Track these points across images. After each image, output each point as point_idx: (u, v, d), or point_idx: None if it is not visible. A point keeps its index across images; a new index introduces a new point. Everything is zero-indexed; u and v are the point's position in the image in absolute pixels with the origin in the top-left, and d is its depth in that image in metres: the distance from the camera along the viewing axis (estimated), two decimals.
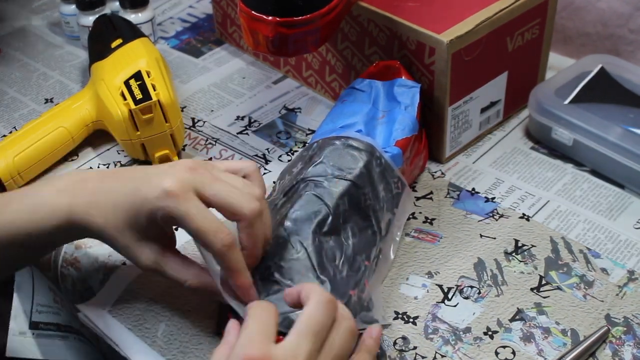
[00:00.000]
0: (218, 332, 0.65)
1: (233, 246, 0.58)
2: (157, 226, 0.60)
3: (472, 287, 0.70)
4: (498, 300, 0.68)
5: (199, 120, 0.90)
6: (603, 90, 0.84)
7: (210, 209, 0.59)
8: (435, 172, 0.82)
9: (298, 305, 0.55)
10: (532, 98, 0.84)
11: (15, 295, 0.72)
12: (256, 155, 0.85)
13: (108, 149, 0.87)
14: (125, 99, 0.81)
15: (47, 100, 0.94)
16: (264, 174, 0.82)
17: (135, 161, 0.85)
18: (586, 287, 0.69)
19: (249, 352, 0.49)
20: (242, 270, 0.59)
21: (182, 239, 0.74)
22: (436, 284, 0.70)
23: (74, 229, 0.61)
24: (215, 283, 0.60)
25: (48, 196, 0.61)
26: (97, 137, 0.87)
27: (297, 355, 0.50)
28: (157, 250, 0.61)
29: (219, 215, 0.59)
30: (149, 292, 0.69)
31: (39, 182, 0.70)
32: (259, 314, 0.53)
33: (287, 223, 0.64)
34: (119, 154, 0.86)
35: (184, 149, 0.86)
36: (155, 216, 0.58)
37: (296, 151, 0.85)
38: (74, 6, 1.00)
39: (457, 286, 0.70)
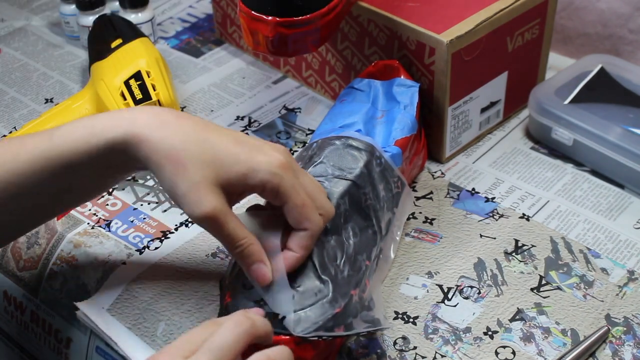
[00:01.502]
0: None
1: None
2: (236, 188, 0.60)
3: (472, 287, 0.70)
4: (498, 300, 0.68)
5: None
6: (603, 90, 0.84)
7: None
8: (435, 172, 0.82)
9: None
10: (532, 98, 0.84)
11: None
12: None
13: None
14: (125, 99, 0.81)
15: (47, 100, 0.94)
16: None
17: None
18: (586, 287, 0.69)
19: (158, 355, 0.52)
20: (304, 252, 0.61)
21: (182, 239, 0.74)
22: (436, 284, 0.70)
23: (129, 151, 0.58)
24: (261, 257, 0.60)
25: (110, 114, 0.60)
26: None
27: None
28: (225, 201, 0.59)
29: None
30: (149, 292, 0.69)
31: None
32: (230, 327, 0.53)
33: None
34: None
35: None
36: (255, 179, 0.58)
37: (296, 151, 0.85)
38: (74, 6, 1.00)
39: (457, 286, 0.70)
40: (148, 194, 0.79)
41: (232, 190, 0.59)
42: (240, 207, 0.67)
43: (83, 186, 0.62)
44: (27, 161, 0.59)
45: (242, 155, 0.58)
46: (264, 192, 0.59)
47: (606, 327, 0.65)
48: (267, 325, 0.56)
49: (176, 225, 0.76)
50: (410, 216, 0.76)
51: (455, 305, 0.68)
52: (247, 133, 0.88)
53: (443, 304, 0.68)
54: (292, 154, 0.85)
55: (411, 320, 0.67)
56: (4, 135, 0.89)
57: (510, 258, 0.72)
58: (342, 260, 0.63)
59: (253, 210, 0.65)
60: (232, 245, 0.59)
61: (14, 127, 0.90)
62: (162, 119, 0.58)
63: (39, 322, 0.75)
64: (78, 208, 0.78)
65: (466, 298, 0.69)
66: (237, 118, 0.90)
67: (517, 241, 0.74)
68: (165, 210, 0.78)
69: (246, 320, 0.54)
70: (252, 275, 0.60)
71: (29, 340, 0.77)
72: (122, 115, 0.59)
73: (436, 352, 0.64)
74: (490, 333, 0.66)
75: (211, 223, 0.58)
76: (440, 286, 0.70)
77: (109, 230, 0.76)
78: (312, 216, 0.60)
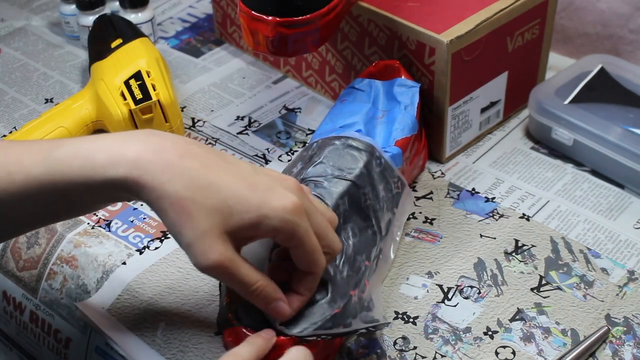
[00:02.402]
0: (218, 332, 0.65)
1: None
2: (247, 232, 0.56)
3: (472, 287, 0.70)
4: (498, 300, 0.68)
5: (198, 120, 0.90)
6: (603, 90, 0.84)
7: None
8: (435, 172, 0.82)
9: None
10: (532, 98, 0.84)
11: None
12: (256, 155, 0.85)
13: None
14: (125, 99, 0.81)
15: (47, 100, 0.94)
16: None
17: None
18: (586, 287, 0.69)
19: None
20: (310, 294, 0.60)
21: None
22: (436, 284, 0.70)
23: (131, 191, 0.54)
24: (277, 295, 0.58)
25: (111, 144, 0.55)
26: None
27: None
28: (233, 247, 0.55)
29: None
30: (149, 292, 0.69)
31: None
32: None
33: None
34: None
35: None
36: (267, 226, 0.55)
37: (296, 151, 0.85)
38: (74, 6, 1.00)
39: (457, 286, 0.70)
40: None
41: (242, 236, 0.56)
42: None
43: (79, 210, 0.60)
44: (21, 183, 0.55)
45: (253, 200, 0.54)
46: (276, 238, 0.57)
47: (606, 327, 0.65)
48: (254, 345, 0.56)
49: None
50: (410, 216, 0.76)
51: (455, 305, 0.68)
52: (247, 133, 0.88)
53: (443, 304, 0.68)
54: (292, 154, 0.85)
55: (411, 320, 0.67)
56: (4, 136, 0.89)
57: (510, 258, 0.72)
58: (341, 261, 0.63)
59: None
60: (246, 291, 0.57)
61: (14, 127, 0.90)
62: (165, 160, 0.54)
63: (38, 322, 0.75)
64: None
65: (466, 298, 0.69)
66: (237, 118, 0.90)
67: (517, 241, 0.74)
68: None
69: (231, 357, 0.55)
70: (271, 314, 0.59)
71: (28, 341, 0.77)
72: (122, 152, 0.54)
73: (436, 352, 0.64)
74: (490, 333, 0.66)
75: (219, 273, 0.55)
76: (440, 286, 0.70)
77: (109, 230, 0.76)
78: (320, 261, 0.58)
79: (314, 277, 0.59)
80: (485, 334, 0.66)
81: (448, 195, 0.79)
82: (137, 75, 0.82)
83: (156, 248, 0.74)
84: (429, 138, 0.82)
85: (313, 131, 0.87)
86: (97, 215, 0.78)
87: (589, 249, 0.73)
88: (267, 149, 0.86)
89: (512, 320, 0.67)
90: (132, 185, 0.54)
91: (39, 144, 0.57)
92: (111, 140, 0.56)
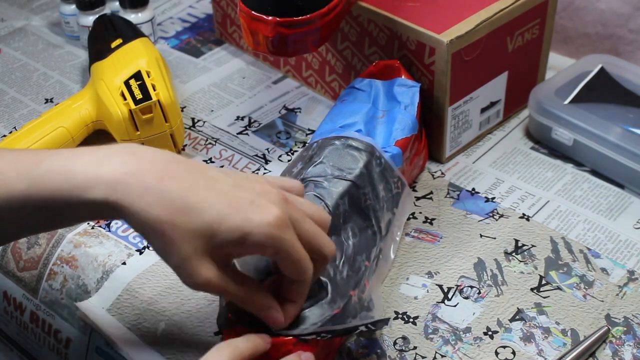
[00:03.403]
0: (218, 332, 0.65)
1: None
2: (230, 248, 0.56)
3: (472, 287, 0.70)
4: (498, 300, 0.68)
5: (198, 120, 0.90)
6: (603, 90, 0.84)
7: None
8: (435, 172, 0.82)
9: None
10: (532, 98, 0.84)
11: None
12: (256, 155, 0.85)
13: None
14: (125, 99, 0.81)
15: (47, 100, 0.94)
16: (264, 174, 0.82)
17: None
18: (586, 287, 0.69)
19: None
20: (303, 300, 0.60)
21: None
22: (436, 284, 0.70)
23: (113, 212, 0.54)
24: (270, 304, 0.58)
25: (88, 163, 0.54)
26: (97, 137, 0.86)
27: None
28: (219, 266, 0.55)
29: None
30: (149, 292, 0.69)
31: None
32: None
33: None
34: None
35: (183, 149, 0.86)
36: (252, 243, 0.54)
37: (296, 151, 0.85)
38: (74, 6, 1.00)
39: (457, 286, 0.70)
40: None
41: (228, 253, 0.56)
42: None
43: (65, 224, 0.60)
44: (4, 197, 0.55)
45: (236, 219, 0.53)
46: (262, 253, 0.56)
47: (606, 327, 0.65)
48: (251, 341, 0.56)
49: None
50: (410, 216, 0.76)
51: (455, 305, 0.68)
52: (247, 133, 0.88)
53: (443, 304, 0.68)
54: (292, 154, 0.85)
55: (411, 320, 0.67)
56: (4, 136, 0.89)
57: (510, 258, 0.72)
58: (341, 261, 0.63)
59: None
60: (239, 302, 0.57)
61: (14, 127, 0.90)
62: (144, 184, 0.53)
63: (38, 323, 0.75)
64: None
65: (466, 298, 0.69)
66: (237, 118, 0.90)
67: (517, 241, 0.74)
68: None
69: (226, 346, 0.54)
70: (265, 321, 0.59)
71: (29, 341, 0.77)
72: (100, 174, 0.53)
73: (436, 352, 0.64)
74: (490, 333, 0.66)
75: (209, 291, 0.56)
76: (440, 286, 0.70)
77: (109, 230, 0.76)
78: (307, 268, 0.57)
79: (303, 284, 0.58)
80: (485, 334, 0.66)
81: (448, 195, 0.79)
82: (137, 75, 0.82)
83: None
84: (429, 138, 0.82)
85: (313, 131, 0.87)
86: None
87: (589, 249, 0.73)
88: (267, 149, 0.86)
89: (512, 320, 0.67)
90: (112, 207, 0.53)
91: (22, 156, 0.57)
92: (89, 159, 0.55)
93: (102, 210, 0.54)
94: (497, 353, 0.64)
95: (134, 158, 0.54)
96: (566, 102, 0.83)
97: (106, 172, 0.53)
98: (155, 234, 0.53)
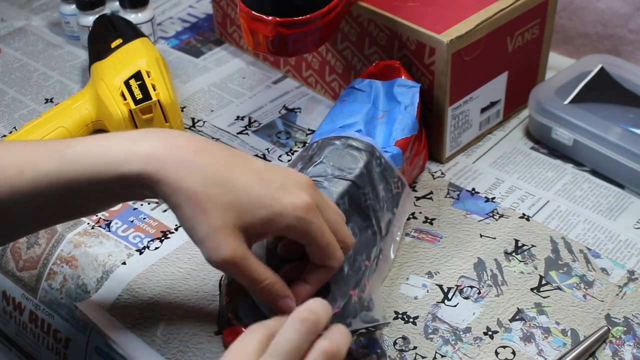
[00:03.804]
0: (218, 332, 0.65)
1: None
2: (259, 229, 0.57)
3: (472, 287, 0.70)
4: (498, 300, 0.68)
5: (198, 120, 0.90)
6: (603, 90, 0.84)
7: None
8: (435, 172, 0.82)
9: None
10: (532, 98, 0.84)
11: None
12: (256, 156, 0.85)
13: None
14: (125, 99, 0.81)
15: (47, 100, 0.94)
16: None
17: None
18: (586, 287, 0.69)
19: None
20: (318, 287, 0.60)
21: (182, 239, 0.74)
22: (436, 284, 0.70)
23: (145, 187, 0.55)
24: (286, 292, 0.58)
25: (123, 142, 0.56)
26: None
27: None
28: (245, 244, 0.56)
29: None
30: (149, 292, 0.69)
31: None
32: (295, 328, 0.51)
33: None
34: None
35: None
36: (280, 223, 0.56)
37: (296, 151, 0.85)
38: (74, 6, 1.00)
39: (457, 286, 0.70)
40: None
41: (255, 233, 0.56)
42: None
43: (89, 209, 0.61)
44: (33, 181, 0.56)
45: (266, 198, 0.55)
46: (289, 235, 0.57)
47: (606, 327, 0.65)
48: (329, 312, 0.53)
49: (176, 225, 0.76)
50: (410, 216, 0.76)
51: (455, 305, 0.68)
52: (247, 133, 0.88)
53: (443, 304, 0.68)
54: (292, 154, 0.85)
55: (411, 320, 0.67)
56: (4, 136, 0.89)
57: (510, 258, 0.72)
58: None
59: None
60: (255, 287, 0.57)
61: (14, 127, 0.90)
62: (181, 157, 0.55)
63: (37, 322, 0.75)
64: None
65: (466, 298, 0.69)
66: (237, 118, 0.90)
67: (517, 241, 0.74)
68: (165, 210, 0.78)
69: (311, 315, 0.51)
70: (279, 310, 0.58)
71: (28, 341, 0.77)
72: (137, 149, 0.55)
73: (436, 352, 0.64)
74: (490, 333, 0.66)
75: (230, 268, 0.56)
76: (440, 286, 0.70)
77: (109, 230, 0.76)
78: (335, 254, 0.58)
79: (327, 270, 0.59)
80: (485, 334, 0.66)
81: (448, 195, 0.79)
82: (137, 75, 0.82)
83: (156, 248, 0.74)
84: (429, 138, 0.82)
85: (313, 131, 0.87)
86: (97, 215, 0.77)
87: (589, 249, 0.73)
88: (267, 149, 0.86)
89: (512, 320, 0.67)
90: (147, 180, 0.55)
91: (50, 143, 0.58)
92: (125, 138, 0.57)
93: (133, 186, 0.55)
94: (497, 353, 0.64)
95: (170, 136, 0.57)
96: (566, 102, 0.83)
97: (142, 148, 0.55)
98: (187, 202, 0.54)
